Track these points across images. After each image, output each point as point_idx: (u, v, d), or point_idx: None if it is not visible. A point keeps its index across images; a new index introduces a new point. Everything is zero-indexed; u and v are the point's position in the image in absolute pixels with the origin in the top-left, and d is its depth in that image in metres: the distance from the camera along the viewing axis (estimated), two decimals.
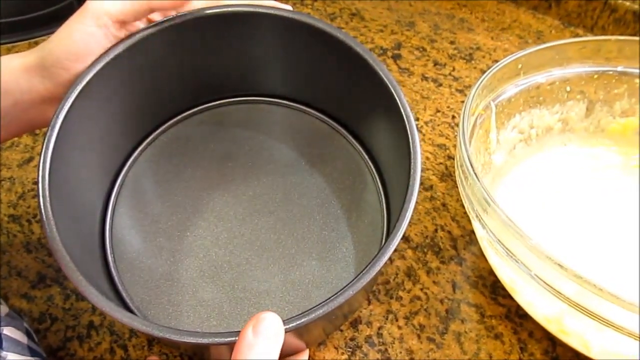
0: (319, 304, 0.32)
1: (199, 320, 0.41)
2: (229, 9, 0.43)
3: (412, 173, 0.38)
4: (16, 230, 0.51)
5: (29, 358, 0.39)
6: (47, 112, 0.40)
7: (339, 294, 0.33)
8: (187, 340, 0.31)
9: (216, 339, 0.31)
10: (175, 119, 0.50)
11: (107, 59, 0.39)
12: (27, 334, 0.41)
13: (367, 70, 0.42)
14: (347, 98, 0.47)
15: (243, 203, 0.47)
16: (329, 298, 0.33)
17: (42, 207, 0.35)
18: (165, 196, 0.47)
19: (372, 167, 0.48)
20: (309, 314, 0.32)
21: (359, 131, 0.49)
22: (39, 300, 0.47)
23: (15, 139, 0.60)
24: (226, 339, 0.31)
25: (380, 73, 0.41)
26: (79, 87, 0.38)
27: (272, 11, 0.43)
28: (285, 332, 0.31)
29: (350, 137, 0.49)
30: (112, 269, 0.43)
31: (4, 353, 0.37)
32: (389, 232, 0.43)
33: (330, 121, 0.50)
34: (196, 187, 0.47)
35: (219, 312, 0.42)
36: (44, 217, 0.34)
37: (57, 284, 0.48)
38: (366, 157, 0.48)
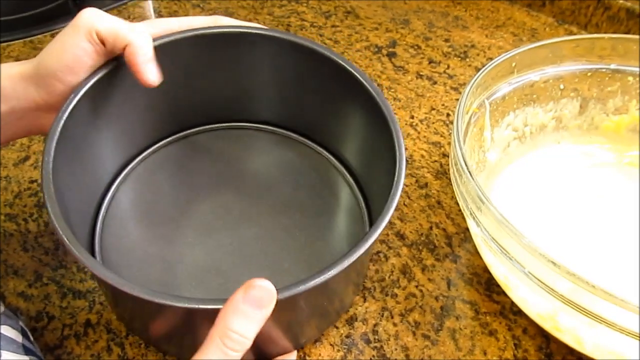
0: (311, 276, 0.33)
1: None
2: (216, 30, 0.45)
3: (397, 169, 0.39)
4: (13, 229, 0.51)
5: (24, 357, 0.39)
6: (42, 119, 0.41)
7: (329, 267, 0.33)
8: (177, 304, 0.31)
9: (203, 305, 0.31)
10: (165, 141, 0.53)
11: (104, 71, 0.41)
12: (23, 332, 0.41)
13: (340, 72, 0.44)
14: (331, 121, 0.50)
15: (231, 214, 0.49)
16: (321, 270, 0.33)
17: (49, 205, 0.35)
18: (155, 208, 0.49)
19: (352, 180, 0.51)
20: (303, 283, 0.32)
21: (336, 147, 0.53)
22: (36, 298, 0.47)
23: None
24: (213, 306, 0.31)
25: (353, 71, 0.44)
26: (77, 97, 0.39)
27: (249, 30, 0.46)
28: (277, 301, 0.31)
29: (329, 156, 0.53)
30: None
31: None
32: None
33: (310, 143, 0.54)
34: (186, 200, 0.50)
35: None
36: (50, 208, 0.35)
37: (53, 283, 0.48)
38: (344, 171, 0.52)
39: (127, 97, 0.45)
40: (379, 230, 0.35)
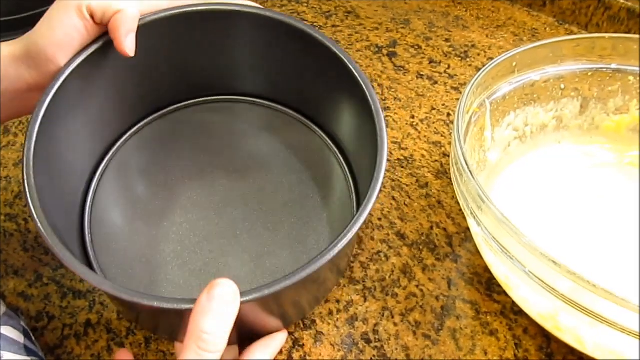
0: (280, 278, 0.33)
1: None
2: (208, 7, 0.45)
3: (378, 159, 0.39)
4: (13, 229, 0.51)
5: (25, 358, 0.39)
6: (35, 100, 0.41)
7: (300, 269, 0.34)
8: (150, 304, 0.32)
9: (175, 305, 0.32)
10: (157, 114, 0.52)
11: (89, 51, 0.40)
12: (24, 333, 0.41)
13: (331, 58, 0.44)
14: (322, 97, 0.49)
15: (219, 194, 0.49)
16: (292, 272, 0.33)
17: (25, 181, 0.36)
18: (145, 183, 0.49)
19: (343, 162, 0.50)
20: (269, 287, 0.33)
21: (329, 126, 0.51)
22: (36, 299, 0.47)
23: (12, 138, 0.60)
24: (183, 306, 0.32)
25: (344, 59, 0.43)
26: (63, 77, 0.39)
27: (244, 9, 0.45)
28: (242, 302, 0.32)
29: (321, 133, 0.52)
30: (89, 249, 0.44)
31: (0, 353, 0.37)
32: None
33: (304, 119, 0.53)
34: (176, 176, 0.49)
35: (190, 295, 0.43)
36: (27, 189, 0.35)
37: (54, 283, 0.48)
38: (337, 152, 0.51)
39: (114, 76, 0.45)
40: (347, 238, 0.35)
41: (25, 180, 0.36)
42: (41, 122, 0.38)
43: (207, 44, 0.48)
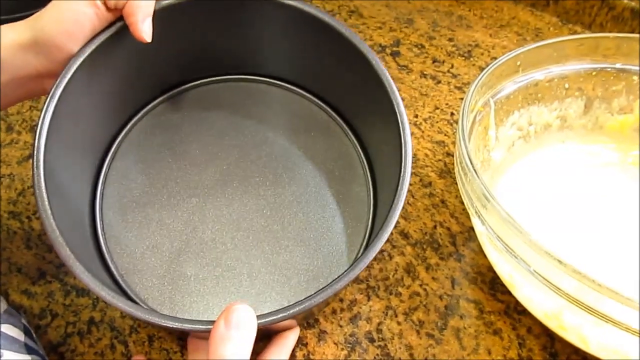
0: (294, 303, 0.34)
1: (179, 294, 0.42)
2: None
3: (402, 174, 0.39)
4: (16, 227, 0.51)
5: (25, 356, 0.39)
6: (45, 84, 0.40)
7: (315, 294, 0.34)
8: (166, 325, 0.33)
9: (194, 326, 0.33)
10: (173, 92, 0.50)
11: (99, 40, 0.40)
12: (25, 331, 0.41)
13: (365, 64, 0.43)
14: (346, 90, 0.48)
15: (234, 183, 0.47)
16: (306, 298, 0.34)
17: (35, 179, 0.36)
18: (157, 169, 0.48)
19: (364, 159, 0.49)
20: (284, 310, 0.34)
21: (355, 123, 0.50)
22: (40, 296, 0.47)
23: (15, 136, 0.60)
24: (202, 327, 0.33)
25: (378, 70, 0.42)
26: (71, 71, 0.39)
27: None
28: (258, 326, 0.32)
29: (345, 127, 0.50)
30: (100, 236, 0.44)
31: (0, 351, 0.37)
32: (374, 227, 0.44)
33: (328, 109, 0.51)
34: (189, 163, 0.48)
35: (200, 287, 0.43)
36: (37, 189, 0.36)
37: (57, 280, 0.48)
38: (359, 149, 0.49)
39: (126, 61, 0.44)
40: (367, 259, 0.36)
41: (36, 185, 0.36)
42: (51, 118, 0.37)
43: (223, 27, 0.47)
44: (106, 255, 0.43)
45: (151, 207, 0.46)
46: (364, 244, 0.45)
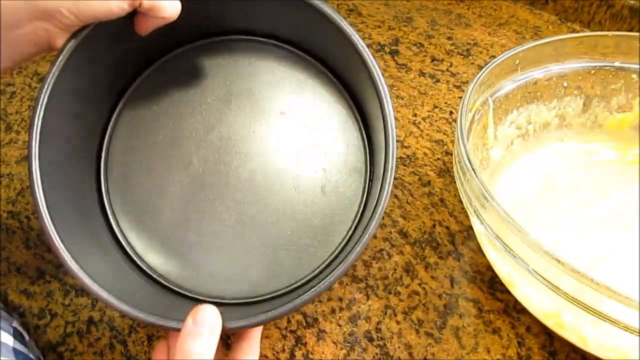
0: (264, 312, 0.36)
1: (177, 243, 0.44)
2: None
3: (386, 173, 0.39)
4: (15, 227, 0.51)
5: None
6: (52, 35, 0.38)
7: (288, 303, 0.36)
8: (139, 317, 0.35)
9: (160, 322, 0.35)
10: (180, 50, 0.49)
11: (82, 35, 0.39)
12: (15, 334, 0.41)
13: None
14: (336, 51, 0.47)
15: (233, 150, 0.47)
16: (279, 305, 0.36)
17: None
18: (164, 123, 0.47)
19: (361, 123, 0.47)
20: (251, 318, 0.36)
21: (357, 97, 0.48)
22: (39, 296, 0.47)
23: (14, 135, 0.60)
24: (169, 324, 0.35)
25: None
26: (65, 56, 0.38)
27: None
28: (229, 330, 0.35)
29: (342, 88, 0.48)
30: (102, 183, 0.45)
31: None
32: (363, 213, 0.44)
33: (334, 79, 0.49)
34: (195, 119, 0.47)
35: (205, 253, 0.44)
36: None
37: (56, 280, 0.48)
38: (356, 111, 0.48)
39: (122, 35, 0.42)
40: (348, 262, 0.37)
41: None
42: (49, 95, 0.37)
43: None
44: (105, 205, 0.44)
45: (156, 156, 0.46)
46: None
